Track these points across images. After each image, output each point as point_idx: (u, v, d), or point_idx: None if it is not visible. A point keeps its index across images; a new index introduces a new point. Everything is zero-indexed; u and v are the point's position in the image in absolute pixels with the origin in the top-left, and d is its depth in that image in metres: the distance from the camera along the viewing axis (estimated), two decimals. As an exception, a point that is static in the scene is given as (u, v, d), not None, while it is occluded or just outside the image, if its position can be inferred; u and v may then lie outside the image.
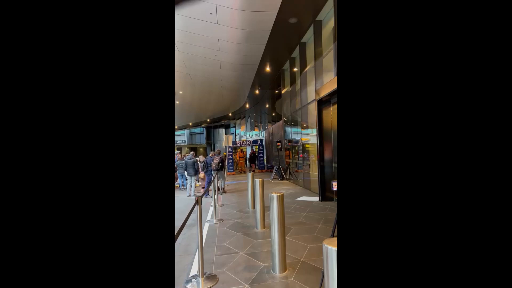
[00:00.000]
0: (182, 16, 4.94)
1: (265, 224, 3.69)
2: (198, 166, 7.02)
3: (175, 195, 7.19)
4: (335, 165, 5.18)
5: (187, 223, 2.06)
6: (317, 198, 5.46)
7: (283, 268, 2.36)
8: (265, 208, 3.76)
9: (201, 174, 7.18)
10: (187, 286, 2.22)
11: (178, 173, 7.99)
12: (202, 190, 7.40)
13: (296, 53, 7.58)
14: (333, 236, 1.78)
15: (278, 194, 2.40)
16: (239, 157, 13.74)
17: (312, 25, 5.93)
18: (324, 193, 5.33)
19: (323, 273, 1.22)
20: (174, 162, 7.44)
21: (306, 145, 6.91)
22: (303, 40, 6.80)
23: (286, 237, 2.73)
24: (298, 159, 7.67)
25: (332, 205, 4.87)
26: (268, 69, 8.40)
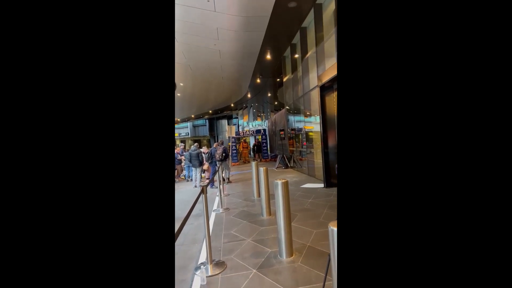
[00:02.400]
0: (179, 5, 4.83)
1: (271, 212, 3.73)
2: (203, 158, 7.07)
3: (182, 186, 7.29)
4: (339, 151, 5.16)
5: (194, 213, 2.09)
6: (321, 185, 5.48)
7: (290, 253, 2.39)
8: (270, 196, 3.78)
9: (205, 165, 7.24)
10: (197, 273, 2.27)
11: (185, 165, 8.08)
12: (207, 180, 7.47)
13: (296, 39, 7.42)
14: (338, 220, 1.79)
15: (283, 181, 2.41)
16: (243, 147, 13.72)
17: (312, 8, 5.77)
18: (329, 180, 5.34)
19: (329, 256, 1.23)
20: (174, 156, 7.48)
21: (310, 133, 6.87)
22: (304, 25, 6.64)
23: (292, 223, 2.76)
24: (302, 147, 7.66)
25: (337, 191, 4.88)
26: (268, 56, 8.25)
